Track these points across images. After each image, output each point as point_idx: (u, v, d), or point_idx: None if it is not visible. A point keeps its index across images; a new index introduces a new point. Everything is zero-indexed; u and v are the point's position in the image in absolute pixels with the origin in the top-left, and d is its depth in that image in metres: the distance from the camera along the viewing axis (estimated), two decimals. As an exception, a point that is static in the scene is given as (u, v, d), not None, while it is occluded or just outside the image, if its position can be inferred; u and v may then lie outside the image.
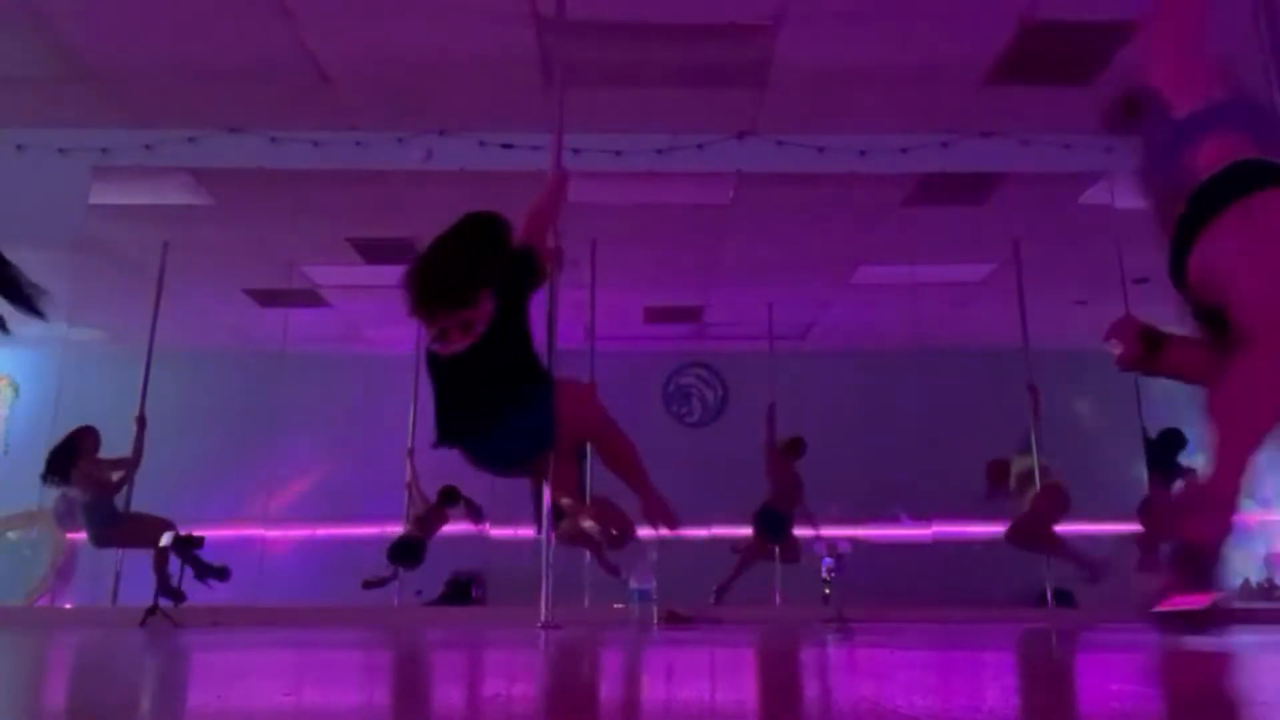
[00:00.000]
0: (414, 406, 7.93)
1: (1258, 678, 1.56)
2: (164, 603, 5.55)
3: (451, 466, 3.17)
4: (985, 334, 8.45)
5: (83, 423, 5.98)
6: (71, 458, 5.86)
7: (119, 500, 6.04)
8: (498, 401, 2.88)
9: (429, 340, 2.96)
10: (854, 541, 7.16)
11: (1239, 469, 1.85)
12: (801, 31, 4.70)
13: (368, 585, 7.12)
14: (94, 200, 5.94)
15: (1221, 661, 1.84)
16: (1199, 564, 1.76)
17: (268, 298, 8.17)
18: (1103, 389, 7.47)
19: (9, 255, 2.62)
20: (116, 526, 5.96)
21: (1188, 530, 1.83)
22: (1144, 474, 6.99)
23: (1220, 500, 1.84)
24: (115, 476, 5.96)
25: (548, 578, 3.91)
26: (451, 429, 2.93)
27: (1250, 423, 1.87)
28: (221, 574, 5.93)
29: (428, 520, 7.20)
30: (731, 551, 7.71)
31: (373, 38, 4.76)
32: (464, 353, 2.87)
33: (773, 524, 7.59)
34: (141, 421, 6.18)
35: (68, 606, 7.20)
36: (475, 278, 2.94)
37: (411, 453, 7.61)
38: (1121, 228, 6.23)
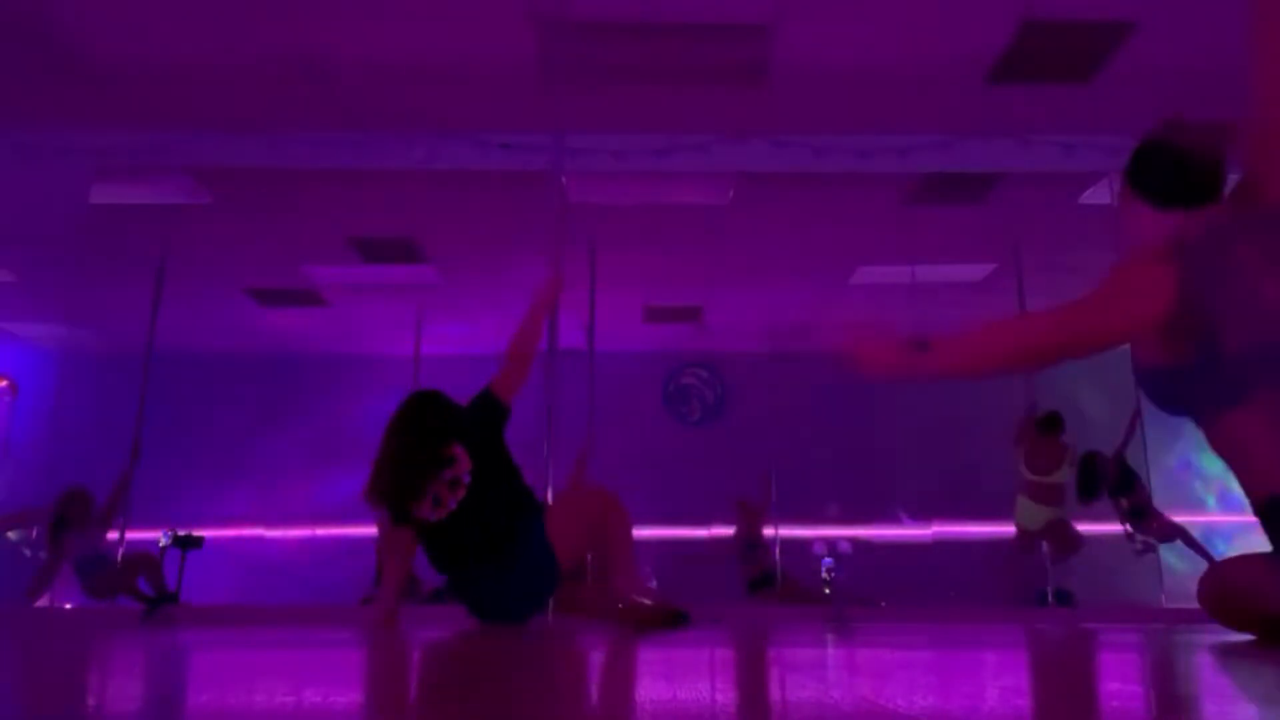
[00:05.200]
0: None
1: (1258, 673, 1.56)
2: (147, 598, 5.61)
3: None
4: (985, 334, 8.44)
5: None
6: (63, 528, 5.94)
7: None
8: (502, 540, 2.96)
9: (421, 514, 3.00)
10: (854, 541, 7.16)
11: None
12: (801, 31, 4.70)
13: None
14: (94, 200, 5.95)
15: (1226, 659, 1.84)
16: None
17: (268, 298, 8.17)
18: (1102, 389, 7.47)
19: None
20: (104, 577, 6.03)
21: None
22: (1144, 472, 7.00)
23: None
24: (106, 526, 6.05)
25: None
26: (467, 584, 3.02)
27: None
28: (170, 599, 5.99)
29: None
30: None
31: (373, 38, 4.76)
32: (459, 507, 2.94)
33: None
34: (135, 451, 6.19)
35: (68, 606, 7.20)
36: (445, 433, 3.07)
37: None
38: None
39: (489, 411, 3.16)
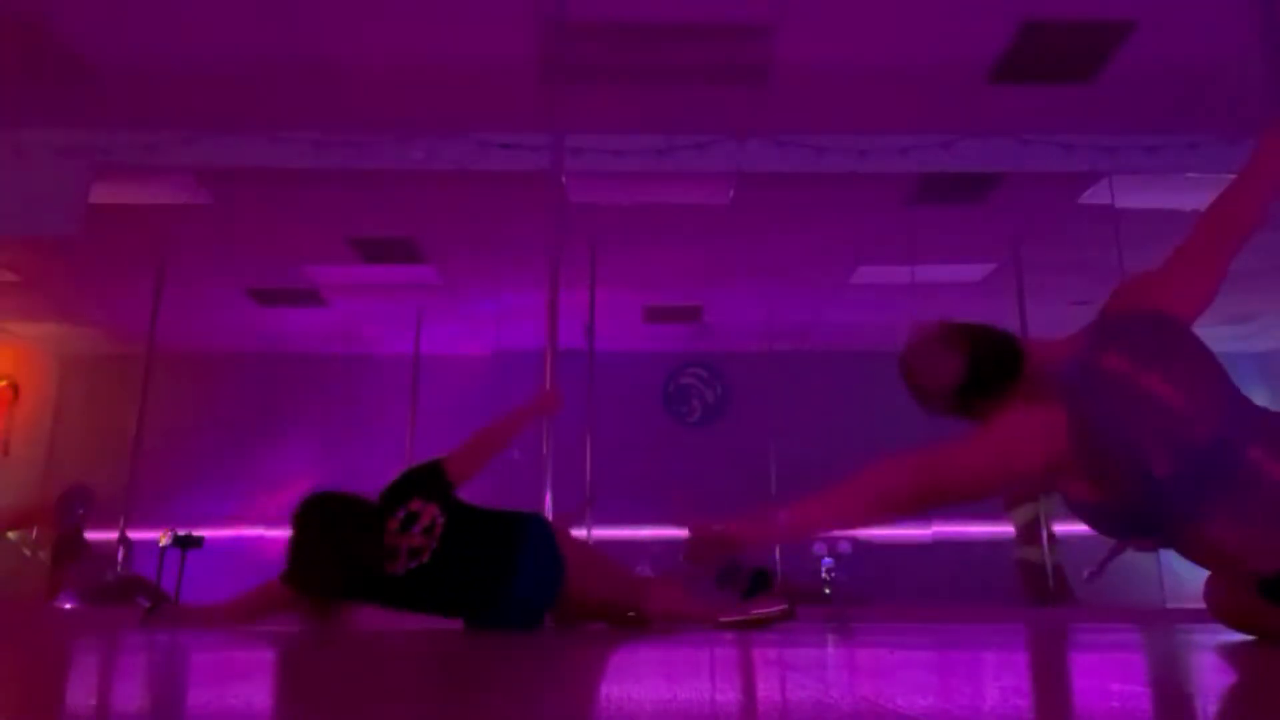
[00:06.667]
0: (413, 407, 7.94)
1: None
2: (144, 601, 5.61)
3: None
4: (985, 334, 8.44)
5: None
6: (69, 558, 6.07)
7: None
8: (502, 551, 2.85)
9: (395, 571, 2.83)
10: (854, 541, 7.15)
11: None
12: (801, 31, 4.70)
13: None
14: (94, 200, 5.95)
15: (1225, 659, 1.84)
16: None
17: (268, 298, 8.17)
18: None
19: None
20: (105, 601, 6.08)
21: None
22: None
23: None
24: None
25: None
26: (470, 610, 2.90)
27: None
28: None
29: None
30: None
31: (373, 38, 4.76)
32: (441, 544, 2.82)
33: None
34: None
35: (68, 606, 7.20)
36: (401, 496, 2.94)
37: None
38: (1121, 228, 6.24)
39: (435, 477, 2.98)
